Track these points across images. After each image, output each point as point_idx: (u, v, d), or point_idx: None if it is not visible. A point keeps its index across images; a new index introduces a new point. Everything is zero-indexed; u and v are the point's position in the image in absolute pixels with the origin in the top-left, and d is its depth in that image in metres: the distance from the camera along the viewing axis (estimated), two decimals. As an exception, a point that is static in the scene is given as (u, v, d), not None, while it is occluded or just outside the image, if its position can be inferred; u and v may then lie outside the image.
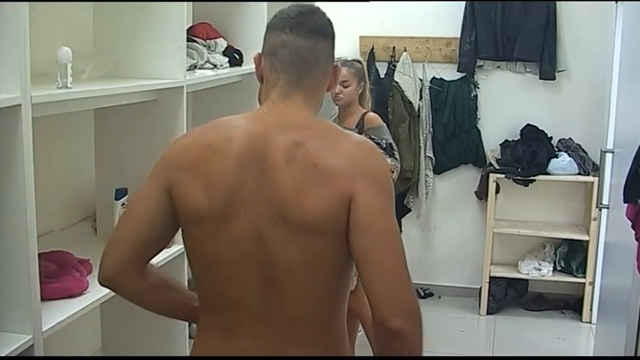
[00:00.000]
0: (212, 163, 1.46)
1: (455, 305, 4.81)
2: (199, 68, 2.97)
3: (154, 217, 1.52)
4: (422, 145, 4.68)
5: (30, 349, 1.78)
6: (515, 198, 4.78)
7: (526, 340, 4.33)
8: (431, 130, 4.73)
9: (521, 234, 4.64)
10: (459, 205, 4.91)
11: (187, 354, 2.75)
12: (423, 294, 4.88)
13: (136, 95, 2.46)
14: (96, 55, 2.47)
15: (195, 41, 3.02)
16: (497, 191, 4.65)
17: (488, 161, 4.71)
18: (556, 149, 4.60)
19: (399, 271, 1.39)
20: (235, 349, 1.52)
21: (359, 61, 3.71)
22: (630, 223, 2.60)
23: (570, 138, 4.64)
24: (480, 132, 4.77)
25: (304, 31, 1.49)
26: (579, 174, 4.50)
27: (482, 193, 4.72)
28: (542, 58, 4.55)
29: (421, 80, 4.71)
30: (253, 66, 1.59)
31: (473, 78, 4.73)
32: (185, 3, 2.58)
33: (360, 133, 3.38)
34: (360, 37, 4.84)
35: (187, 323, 2.76)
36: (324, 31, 1.54)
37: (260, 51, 1.56)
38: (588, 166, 4.49)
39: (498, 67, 4.73)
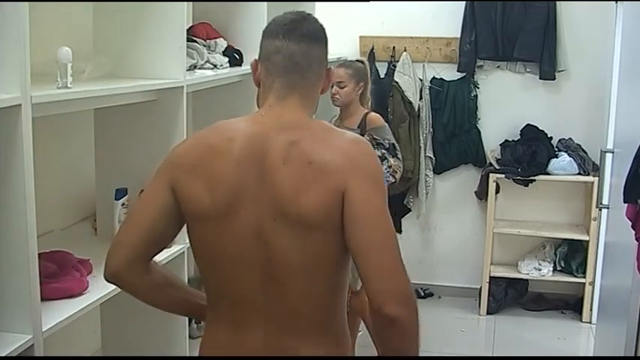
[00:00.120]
0: (214, 164, 1.53)
1: (455, 305, 4.81)
2: (199, 68, 2.97)
3: (158, 217, 1.59)
4: (422, 145, 4.68)
5: (30, 349, 1.78)
6: (515, 198, 4.78)
7: (526, 340, 4.34)
8: (431, 130, 4.73)
9: (521, 234, 4.64)
10: (459, 205, 4.91)
11: (187, 354, 2.76)
12: (423, 294, 4.88)
13: (136, 95, 2.46)
14: (96, 55, 2.47)
15: (195, 41, 3.02)
16: (497, 191, 4.65)
17: (488, 161, 4.71)
18: (556, 149, 4.60)
19: (393, 260, 1.46)
20: (240, 343, 1.59)
21: (361, 61, 3.70)
22: (630, 223, 2.60)
23: (570, 138, 4.64)
24: (479, 132, 4.78)
25: (297, 37, 1.57)
26: (579, 174, 4.50)
27: (482, 193, 4.72)
28: (542, 58, 4.55)
29: (421, 80, 4.72)
30: (254, 81, 1.67)
31: (473, 78, 4.73)
32: (185, 3, 2.58)
33: (362, 133, 3.37)
34: (360, 37, 4.84)
35: (187, 323, 2.76)
36: (316, 36, 1.61)
37: (257, 56, 1.64)
38: (588, 166, 4.49)
39: (498, 67, 4.73)
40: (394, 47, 4.75)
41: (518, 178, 4.57)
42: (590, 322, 4.52)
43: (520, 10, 4.54)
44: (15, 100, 1.69)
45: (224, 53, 3.20)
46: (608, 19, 4.32)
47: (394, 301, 1.42)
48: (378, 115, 3.58)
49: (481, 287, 4.71)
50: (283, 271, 1.53)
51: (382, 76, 4.71)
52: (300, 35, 1.57)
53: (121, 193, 2.54)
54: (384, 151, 3.37)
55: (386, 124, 3.56)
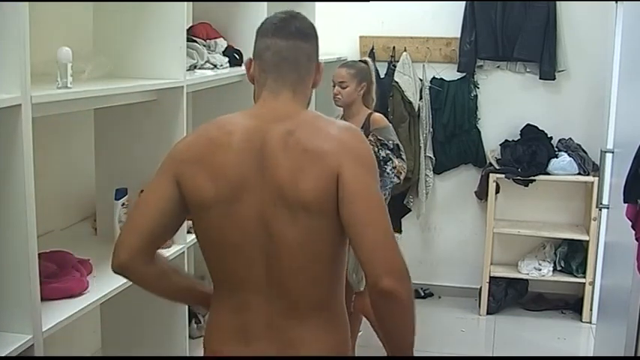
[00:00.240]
0: (216, 156, 1.62)
1: (455, 305, 4.81)
2: (199, 68, 2.97)
3: (164, 208, 1.67)
4: (422, 145, 4.68)
5: (30, 349, 1.78)
6: (515, 198, 4.78)
7: (526, 340, 4.33)
8: (431, 130, 4.73)
9: (521, 234, 4.64)
10: (459, 205, 4.91)
11: (187, 354, 2.76)
12: (423, 294, 4.88)
13: (136, 95, 2.46)
14: (96, 55, 2.47)
15: (195, 41, 3.02)
16: (497, 191, 4.65)
17: (488, 161, 4.71)
18: (556, 149, 4.60)
19: (385, 236, 1.55)
20: (243, 326, 1.68)
21: (365, 62, 3.68)
22: (630, 223, 2.60)
23: (570, 138, 4.64)
24: (479, 132, 4.78)
25: (285, 34, 1.67)
26: (579, 174, 4.50)
27: (482, 193, 4.72)
28: (542, 58, 4.55)
29: (421, 80, 4.72)
30: (248, 78, 1.77)
31: (473, 78, 4.73)
32: (185, 3, 2.58)
33: (366, 134, 3.36)
34: (360, 37, 4.84)
35: (187, 323, 2.76)
36: (304, 32, 1.70)
37: (252, 55, 1.74)
38: (588, 166, 4.49)
39: (498, 67, 4.73)
40: (394, 47, 4.75)
41: (518, 178, 4.57)
42: (590, 322, 4.51)
43: (520, 10, 4.54)
44: (15, 100, 1.69)
45: (224, 53, 3.20)
46: (608, 19, 4.32)
47: (389, 275, 1.50)
48: (381, 115, 3.56)
49: (481, 287, 4.71)
50: (284, 253, 1.61)
51: (382, 76, 4.71)
52: (288, 33, 1.67)
53: (121, 193, 2.54)
54: (388, 151, 3.35)
55: (390, 125, 3.54)
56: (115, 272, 1.73)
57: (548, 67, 4.55)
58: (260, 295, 1.66)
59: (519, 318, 4.65)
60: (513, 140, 4.68)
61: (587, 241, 4.49)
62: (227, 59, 3.19)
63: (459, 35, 4.67)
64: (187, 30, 2.81)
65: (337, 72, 3.55)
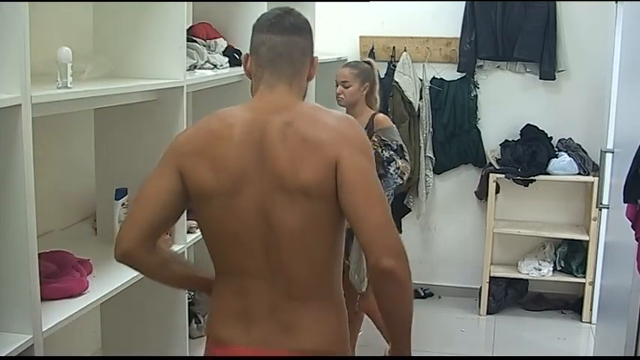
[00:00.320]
0: (217, 148, 1.68)
1: (455, 305, 4.81)
2: (199, 68, 2.97)
3: (166, 198, 1.72)
4: (422, 145, 4.68)
5: (30, 349, 1.78)
6: (515, 198, 4.78)
7: (526, 340, 4.33)
8: (431, 130, 4.73)
9: (521, 234, 4.64)
10: (459, 205, 4.91)
11: (187, 354, 2.76)
12: (423, 294, 4.88)
13: (136, 95, 2.46)
14: (96, 55, 2.47)
15: (195, 41, 3.02)
16: (497, 191, 4.65)
17: (488, 161, 4.71)
18: (556, 149, 4.60)
19: (384, 218, 1.61)
20: (244, 310, 1.73)
21: (369, 62, 3.67)
22: (630, 223, 2.60)
23: (570, 138, 4.64)
24: (479, 132, 4.78)
25: (279, 29, 1.72)
26: (579, 174, 4.50)
27: (482, 193, 4.72)
28: (542, 58, 4.55)
29: (421, 80, 4.72)
30: (245, 73, 1.82)
31: (473, 78, 4.73)
32: (185, 3, 2.58)
33: (369, 134, 3.34)
34: (360, 37, 4.84)
35: (187, 323, 2.76)
36: (298, 27, 1.75)
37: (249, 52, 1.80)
38: (588, 166, 4.49)
39: (498, 67, 4.73)
40: (394, 47, 4.75)
41: (518, 178, 4.57)
42: (590, 322, 4.52)
43: (520, 10, 4.53)
44: (15, 100, 1.69)
45: (224, 53, 3.20)
46: (608, 19, 4.32)
47: (389, 255, 1.58)
48: (385, 116, 3.55)
49: (481, 287, 4.71)
50: (284, 239, 1.67)
51: (382, 76, 4.69)
52: (283, 28, 1.72)
53: (121, 193, 2.54)
54: (391, 152, 3.33)
55: (394, 125, 3.52)
56: (118, 261, 1.77)
57: (548, 67, 4.55)
58: (261, 281, 1.72)
59: (519, 318, 4.65)
60: (513, 140, 4.68)
61: (587, 241, 4.49)
62: (227, 59, 3.19)
63: (459, 35, 4.67)
64: (187, 30, 2.81)
65: (340, 72, 3.55)
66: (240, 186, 1.66)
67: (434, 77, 4.76)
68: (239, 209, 1.68)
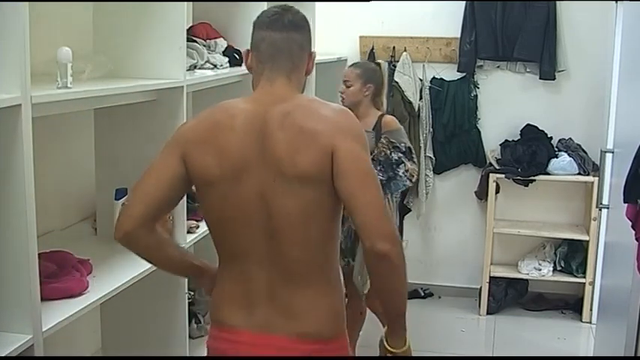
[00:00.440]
0: (219, 137, 1.76)
1: (455, 305, 4.81)
2: (199, 68, 2.97)
3: (168, 182, 1.79)
4: (422, 145, 4.68)
5: (30, 349, 1.78)
6: (515, 198, 4.78)
7: (526, 340, 4.34)
8: (431, 130, 4.73)
9: (521, 234, 4.64)
10: (459, 205, 4.91)
11: (187, 354, 2.76)
12: (423, 294, 4.88)
13: (136, 95, 2.46)
14: (96, 55, 2.47)
15: (195, 41, 3.02)
16: (497, 191, 4.65)
17: (488, 161, 4.71)
18: (556, 149, 4.60)
19: (377, 203, 1.70)
20: (246, 295, 1.81)
21: (377, 63, 3.64)
22: (630, 223, 2.60)
23: (570, 138, 4.64)
24: (479, 132, 4.78)
25: (278, 26, 1.81)
26: (579, 174, 4.50)
27: (482, 193, 4.72)
28: (542, 58, 4.55)
29: (421, 80, 4.72)
30: (246, 68, 1.90)
31: (473, 78, 4.73)
32: (185, 3, 2.58)
33: (377, 136, 3.33)
34: (360, 37, 4.84)
35: (187, 323, 2.76)
36: (296, 24, 1.83)
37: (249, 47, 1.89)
38: (588, 166, 4.49)
39: (498, 67, 4.73)
40: (394, 47, 4.75)
41: (518, 178, 4.57)
42: (590, 322, 4.52)
43: (520, 10, 4.54)
44: (15, 100, 1.69)
45: (224, 53, 3.20)
46: (608, 19, 4.32)
47: (383, 239, 1.65)
48: (393, 117, 3.52)
49: (481, 287, 4.71)
50: (283, 225, 1.74)
51: (382, 76, 4.71)
52: (282, 24, 1.81)
53: (121, 193, 2.54)
54: (400, 154, 3.30)
55: (402, 127, 3.49)
56: (118, 240, 1.83)
57: (548, 67, 4.55)
58: (261, 265, 1.79)
59: (519, 318, 4.65)
60: (513, 140, 4.68)
61: (587, 241, 4.49)
62: (227, 59, 3.19)
63: (459, 35, 4.67)
64: (187, 30, 2.81)
65: (344, 71, 3.55)
66: (241, 173, 1.74)
67: (434, 77, 4.76)
68: (240, 195, 1.75)
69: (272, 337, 1.78)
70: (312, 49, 1.90)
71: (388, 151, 3.29)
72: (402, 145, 3.34)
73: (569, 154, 4.53)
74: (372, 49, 4.77)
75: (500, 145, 4.70)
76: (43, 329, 1.83)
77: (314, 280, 1.80)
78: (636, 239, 2.54)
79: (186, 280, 2.72)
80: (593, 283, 4.48)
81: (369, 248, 1.67)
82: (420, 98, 4.69)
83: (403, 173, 3.29)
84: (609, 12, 4.27)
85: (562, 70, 4.59)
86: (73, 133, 2.76)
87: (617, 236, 3.26)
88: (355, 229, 1.72)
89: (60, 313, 1.94)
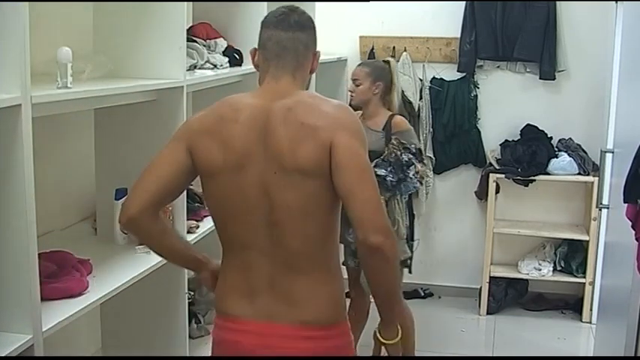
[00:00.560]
0: (224, 129, 1.82)
1: (455, 305, 4.81)
2: (199, 68, 2.97)
3: (174, 171, 1.85)
4: (422, 145, 4.67)
5: (30, 349, 1.78)
6: (515, 198, 4.78)
7: (526, 340, 4.33)
8: (431, 130, 4.73)
9: (521, 234, 4.64)
10: (459, 205, 4.91)
11: (187, 354, 2.76)
12: (423, 294, 4.88)
13: (136, 95, 2.46)
14: (96, 55, 2.47)
15: (195, 41, 3.02)
16: (497, 191, 4.65)
17: (488, 161, 4.71)
18: (556, 149, 4.60)
19: (373, 198, 1.75)
20: (248, 284, 1.86)
21: (387, 62, 3.62)
22: (630, 223, 2.60)
23: (570, 138, 4.64)
24: (479, 132, 4.78)
25: (285, 26, 1.88)
26: (579, 174, 4.49)
27: (482, 193, 4.72)
28: (542, 58, 4.55)
29: (421, 80, 4.72)
30: (253, 66, 1.96)
31: (473, 78, 4.73)
32: (185, 3, 2.58)
33: (387, 136, 3.31)
34: (360, 37, 4.84)
35: (187, 323, 2.76)
36: (302, 24, 1.90)
37: (256, 46, 1.95)
38: (588, 166, 4.49)
39: (498, 67, 4.73)
40: (394, 47, 4.75)
41: (518, 178, 4.57)
42: (590, 322, 4.51)
43: (520, 10, 4.53)
44: (15, 100, 1.69)
45: (224, 53, 3.20)
46: (608, 19, 4.32)
47: (377, 232, 1.70)
48: (403, 118, 3.48)
49: (481, 287, 4.71)
50: (284, 216, 1.80)
51: (382, 76, 4.70)
52: (288, 24, 1.87)
53: (121, 193, 2.54)
54: (411, 156, 3.27)
55: (411, 128, 3.45)
56: (124, 226, 1.90)
57: (548, 67, 4.55)
58: (262, 255, 1.84)
59: (519, 318, 4.65)
60: (513, 140, 4.68)
61: (587, 241, 4.49)
62: (227, 59, 3.19)
63: (459, 35, 4.67)
64: (187, 30, 2.81)
65: (354, 70, 3.54)
66: (244, 164, 1.80)
67: (434, 77, 4.76)
68: (242, 186, 1.81)
69: (276, 325, 1.84)
70: (317, 49, 1.96)
71: (399, 152, 3.26)
72: (413, 146, 3.31)
73: (569, 154, 4.53)
74: (372, 49, 4.77)
75: (500, 145, 4.70)
76: (43, 329, 1.83)
77: (314, 269, 1.85)
78: (636, 239, 2.54)
79: (187, 280, 2.73)
80: (593, 283, 4.48)
81: (363, 240, 1.71)
82: (420, 98, 4.68)
83: (413, 175, 3.26)
84: (609, 12, 4.27)
85: (562, 70, 4.59)
86: (73, 133, 2.77)
87: (617, 236, 3.26)
88: (350, 222, 1.75)
89: (60, 313, 1.95)
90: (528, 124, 4.66)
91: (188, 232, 2.72)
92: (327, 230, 1.86)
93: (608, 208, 3.44)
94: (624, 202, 2.61)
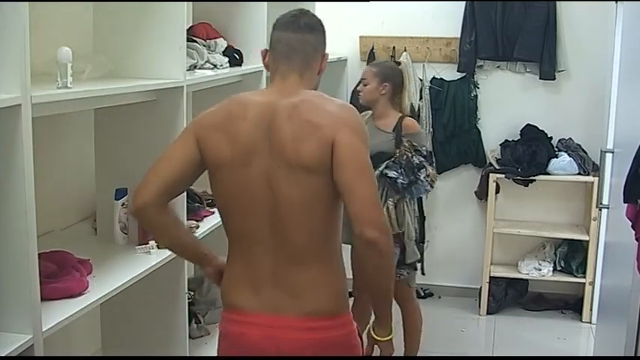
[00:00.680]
0: (233, 125, 1.88)
1: (455, 305, 4.81)
2: (199, 68, 2.97)
3: (185, 163, 1.91)
4: (425, 145, 4.67)
5: (30, 349, 1.78)
6: (515, 198, 4.78)
7: (526, 340, 4.33)
8: (431, 130, 4.73)
9: (521, 234, 4.64)
10: (459, 205, 4.91)
11: (187, 354, 2.76)
12: (423, 294, 4.88)
13: (136, 95, 2.46)
14: (96, 55, 2.47)
15: (195, 41, 3.02)
16: (497, 191, 4.65)
17: (488, 161, 4.71)
18: (556, 149, 4.60)
19: (371, 195, 1.81)
20: (252, 276, 1.91)
21: (398, 62, 3.59)
22: (630, 223, 2.60)
23: (570, 138, 4.64)
24: (479, 132, 4.78)
25: (295, 28, 1.96)
26: (579, 174, 4.50)
27: (482, 193, 4.72)
28: (542, 58, 4.55)
29: (421, 80, 4.72)
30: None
31: (473, 78, 4.73)
32: (185, 3, 2.58)
33: (397, 138, 3.30)
34: (360, 37, 4.84)
35: (187, 323, 2.76)
36: (311, 27, 1.98)
37: (263, 48, 2.05)
38: (588, 166, 4.49)
39: (498, 67, 4.73)
40: (394, 47, 4.75)
41: (518, 178, 4.57)
42: (590, 322, 4.51)
43: (520, 10, 4.53)
44: (15, 100, 1.69)
45: (224, 53, 3.20)
46: (608, 19, 4.32)
47: (373, 226, 1.75)
48: (413, 120, 3.48)
49: (481, 287, 4.71)
50: (287, 209, 1.85)
51: (382, 76, 4.70)
52: (297, 26, 1.95)
53: (121, 193, 2.54)
54: (422, 158, 3.27)
55: (422, 131, 3.45)
56: (134, 215, 1.98)
57: (548, 67, 4.55)
58: (266, 248, 1.90)
59: (519, 318, 4.65)
60: (513, 140, 4.68)
61: (587, 241, 4.49)
62: (227, 59, 3.19)
63: (459, 35, 4.67)
64: (187, 30, 2.81)
65: (363, 70, 3.55)
66: (250, 159, 1.86)
67: (434, 77, 4.76)
68: (248, 180, 1.87)
69: (281, 317, 1.88)
70: (326, 51, 2.03)
71: (410, 154, 3.25)
72: (423, 149, 3.31)
73: (569, 154, 4.53)
74: (372, 49, 4.77)
75: (500, 145, 4.70)
76: (43, 329, 1.83)
77: (316, 262, 1.90)
78: (636, 239, 2.54)
79: (187, 280, 2.73)
80: (593, 283, 4.48)
81: (359, 235, 1.75)
82: (420, 98, 4.68)
83: (424, 178, 3.26)
84: (609, 12, 4.27)
85: (562, 70, 4.59)
86: (73, 133, 2.77)
87: (617, 236, 3.26)
88: (348, 217, 1.79)
89: (60, 313, 1.94)
90: (528, 124, 4.66)
91: (188, 232, 2.71)
92: (330, 225, 1.91)
93: (608, 208, 3.44)
94: (624, 202, 2.61)
